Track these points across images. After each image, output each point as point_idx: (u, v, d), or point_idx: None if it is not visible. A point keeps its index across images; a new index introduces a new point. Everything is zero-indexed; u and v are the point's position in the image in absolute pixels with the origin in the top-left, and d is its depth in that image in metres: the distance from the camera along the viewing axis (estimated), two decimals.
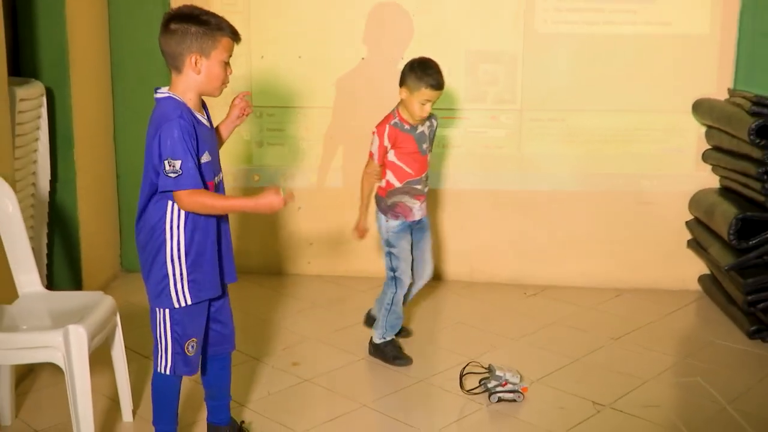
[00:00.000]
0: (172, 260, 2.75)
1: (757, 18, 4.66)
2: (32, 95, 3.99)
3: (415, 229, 4.00)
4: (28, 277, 3.23)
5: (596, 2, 4.79)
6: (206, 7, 2.87)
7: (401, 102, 3.83)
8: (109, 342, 3.24)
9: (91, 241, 4.70)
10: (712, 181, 4.86)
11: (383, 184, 3.92)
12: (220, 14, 2.90)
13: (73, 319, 2.95)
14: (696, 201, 4.83)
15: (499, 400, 3.54)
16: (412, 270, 4.04)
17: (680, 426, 3.37)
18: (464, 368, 3.76)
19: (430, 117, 3.92)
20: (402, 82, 3.81)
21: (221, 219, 2.89)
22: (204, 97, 2.86)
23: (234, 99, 3.03)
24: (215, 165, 2.85)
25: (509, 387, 3.56)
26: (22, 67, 4.30)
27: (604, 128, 4.90)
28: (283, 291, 4.98)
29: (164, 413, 2.96)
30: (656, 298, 4.88)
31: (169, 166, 2.61)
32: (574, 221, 5.03)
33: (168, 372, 2.84)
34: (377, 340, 4.00)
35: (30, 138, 4.04)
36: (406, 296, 4.07)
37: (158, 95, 2.77)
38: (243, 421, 3.28)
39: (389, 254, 3.95)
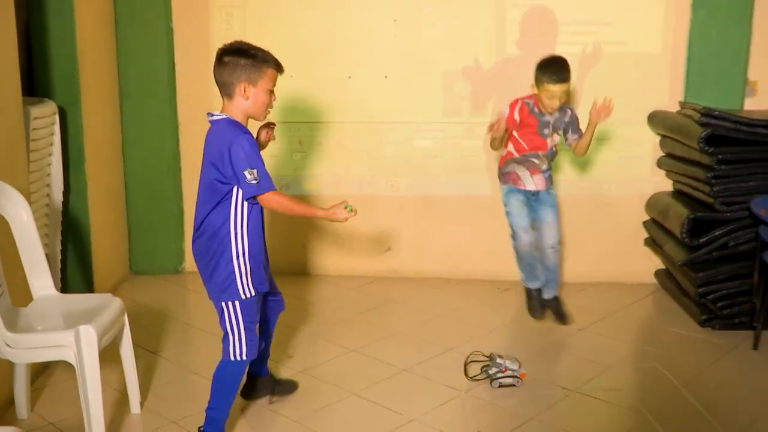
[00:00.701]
0: (237, 259, 2.86)
1: (705, 37, 4.65)
2: (46, 114, 3.94)
3: (531, 199, 4.17)
4: (41, 281, 3.18)
5: (560, 24, 4.77)
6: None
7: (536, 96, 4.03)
8: (117, 340, 3.18)
9: (101, 247, 4.64)
10: (666, 184, 4.84)
11: (504, 153, 4.16)
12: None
13: (84, 319, 2.90)
14: (652, 203, 4.82)
15: (500, 385, 3.53)
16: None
17: (640, 407, 3.35)
18: (468, 357, 3.75)
19: (563, 108, 4.06)
20: (535, 79, 3.97)
21: (263, 226, 2.98)
22: None
23: (261, 126, 3.14)
24: None
25: (509, 373, 3.55)
26: (36, 88, 4.24)
27: None
28: (279, 289, 4.92)
29: (227, 399, 2.97)
30: (616, 291, 4.87)
31: (250, 175, 2.75)
32: None
33: (244, 357, 2.93)
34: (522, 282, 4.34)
35: (44, 153, 3.98)
36: (542, 263, 4.24)
37: (215, 117, 2.89)
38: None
39: (506, 213, 4.20)
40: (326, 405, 3.37)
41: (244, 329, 2.90)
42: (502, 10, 4.77)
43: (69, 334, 2.82)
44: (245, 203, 2.85)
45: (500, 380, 3.54)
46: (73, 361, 2.84)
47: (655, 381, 3.62)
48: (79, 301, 3.25)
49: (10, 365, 3.09)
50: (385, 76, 4.90)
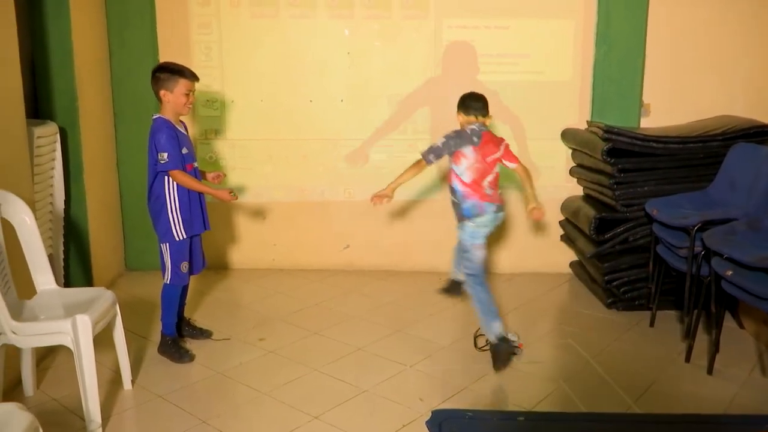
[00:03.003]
0: (171, 212, 3.42)
1: (606, 67, 4.72)
2: (48, 133, 3.86)
3: None
4: (44, 277, 3.10)
5: (486, 57, 4.79)
6: (187, 64, 3.52)
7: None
8: (111, 326, 3.12)
9: (99, 248, 4.55)
10: (578, 190, 4.90)
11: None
12: (200, 68, 3.76)
13: (80, 310, 2.84)
14: (566, 205, 4.87)
15: None
16: None
17: (556, 377, 3.38)
18: (477, 331, 3.73)
19: None
20: (486, 112, 3.51)
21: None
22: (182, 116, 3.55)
23: (214, 173, 3.70)
24: (191, 156, 3.51)
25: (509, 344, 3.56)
26: (40, 112, 4.15)
27: None
28: (253, 282, 4.89)
29: (168, 311, 3.55)
30: (539, 280, 4.90)
31: (160, 157, 3.34)
32: None
33: (170, 282, 3.51)
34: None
35: (47, 167, 3.90)
36: None
37: (154, 117, 3.44)
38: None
39: None
40: (293, 379, 3.35)
41: (172, 264, 3.48)
42: (438, 45, 4.79)
43: (67, 322, 2.76)
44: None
45: None
46: (71, 345, 2.78)
47: (570, 354, 3.66)
48: (76, 293, 3.17)
49: (17, 350, 3.01)
50: (341, 100, 4.89)
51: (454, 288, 4.01)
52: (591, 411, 3.03)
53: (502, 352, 3.43)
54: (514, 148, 4.82)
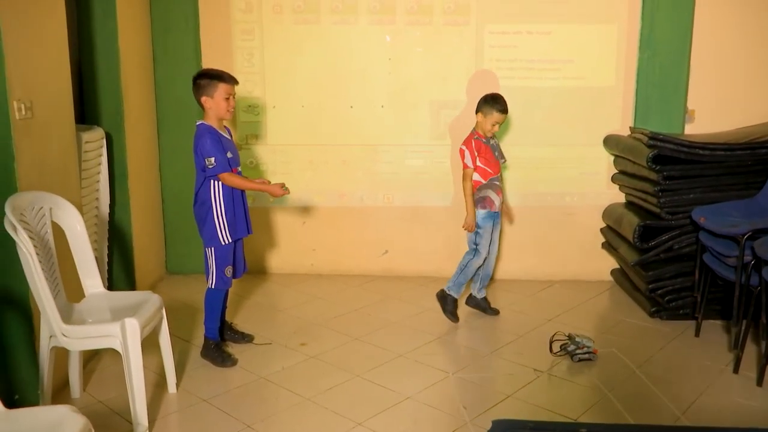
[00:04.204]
0: (217, 217, 3.44)
1: (649, 73, 4.65)
2: (95, 138, 3.91)
3: (495, 220, 4.15)
4: (92, 281, 3.14)
5: (528, 62, 4.76)
6: (230, 70, 3.54)
7: (477, 124, 4.06)
8: (157, 330, 3.15)
9: (142, 251, 4.60)
10: (620, 197, 4.83)
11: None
12: (242, 74, 3.69)
13: (128, 313, 2.87)
14: (608, 212, 4.80)
15: (579, 360, 3.55)
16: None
17: (600, 387, 3.32)
18: (552, 336, 3.76)
19: (493, 137, 4.13)
20: (478, 110, 4.03)
21: (242, 193, 3.56)
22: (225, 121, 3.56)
23: (272, 185, 3.59)
24: (235, 160, 3.52)
25: (585, 350, 3.57)
26: (87, 117, 4.22)
27: (537, 158, 4.87)
28: (292, 287, 4.90)
29: (212, 315, 3.58)
30: (579, 288, 4.84)
31: (208, 162, 3.36)
32: (515, 229, 4.98)
33: (214, 286, 3.53)
34: (445, 289, 4.19)
35: (93, 172, 3.95)
36: (485, 270, 4.27)
37: (198, 123, 3.47)
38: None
39: (478, 234, 4.11)
40: (335, 385, 3.34)
41: (216, 268, 3.50)
42: (480, 50, 4.76)
43: (116, 325, 2.79)
44: (219, 181, 3.41)
45: (579, 356, 3.56)
46: (119, 348, 2.81)
47: (613, 363, 3.60)
48: (124, 297, 3.21)
49: (65, 352, 3.06)
50: (382, 106, 4.88)
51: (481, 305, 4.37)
52: (649, 424, 2.96)
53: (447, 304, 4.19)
54: (558, 154, 4.85)
